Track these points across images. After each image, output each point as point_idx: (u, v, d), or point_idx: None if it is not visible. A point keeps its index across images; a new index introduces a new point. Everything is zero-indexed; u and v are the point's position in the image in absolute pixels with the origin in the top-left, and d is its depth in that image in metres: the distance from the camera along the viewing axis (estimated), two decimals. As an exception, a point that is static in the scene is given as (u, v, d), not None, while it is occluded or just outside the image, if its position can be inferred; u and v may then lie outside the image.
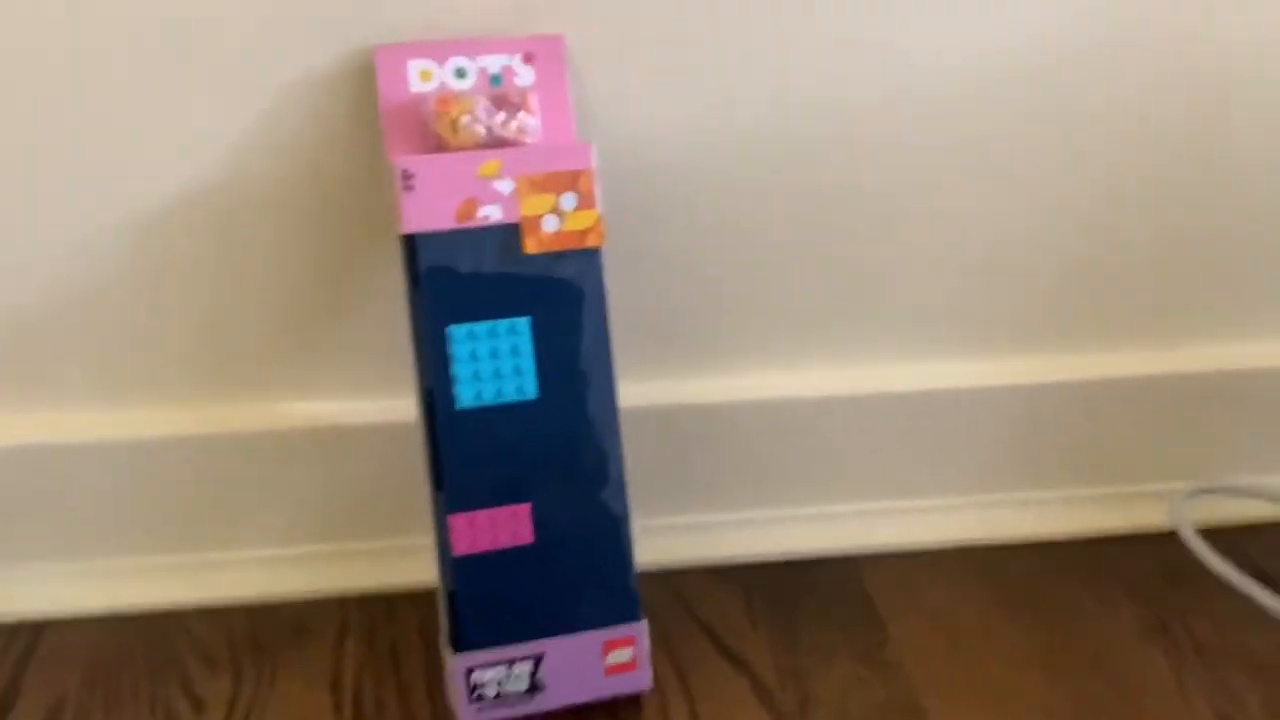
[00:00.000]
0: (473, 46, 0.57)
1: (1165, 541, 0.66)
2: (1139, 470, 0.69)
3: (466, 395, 0.54)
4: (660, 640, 0.61)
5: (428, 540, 0.57)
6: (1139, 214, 0.65)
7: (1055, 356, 0.68)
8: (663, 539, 0.65)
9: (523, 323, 0.55)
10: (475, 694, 0.55)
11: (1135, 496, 0.70)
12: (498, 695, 0.55)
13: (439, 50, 0.56)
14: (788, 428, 0.66)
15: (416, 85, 0.56)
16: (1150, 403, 0.68)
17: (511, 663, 0.55)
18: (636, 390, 0.62)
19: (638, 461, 0.61)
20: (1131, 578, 0.66)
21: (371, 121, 0.57)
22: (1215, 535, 0.64)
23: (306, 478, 0.63)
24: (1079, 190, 0.64)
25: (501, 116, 0.56)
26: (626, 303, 0.61)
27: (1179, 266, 0.67)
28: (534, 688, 0.55)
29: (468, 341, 0.54)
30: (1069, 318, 0.67)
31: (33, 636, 0.62)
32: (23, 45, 0.55)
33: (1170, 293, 0.67)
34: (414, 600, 0.64)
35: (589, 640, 0.56)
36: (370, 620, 0.63)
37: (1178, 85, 0.62)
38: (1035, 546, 0.68)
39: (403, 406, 0.60)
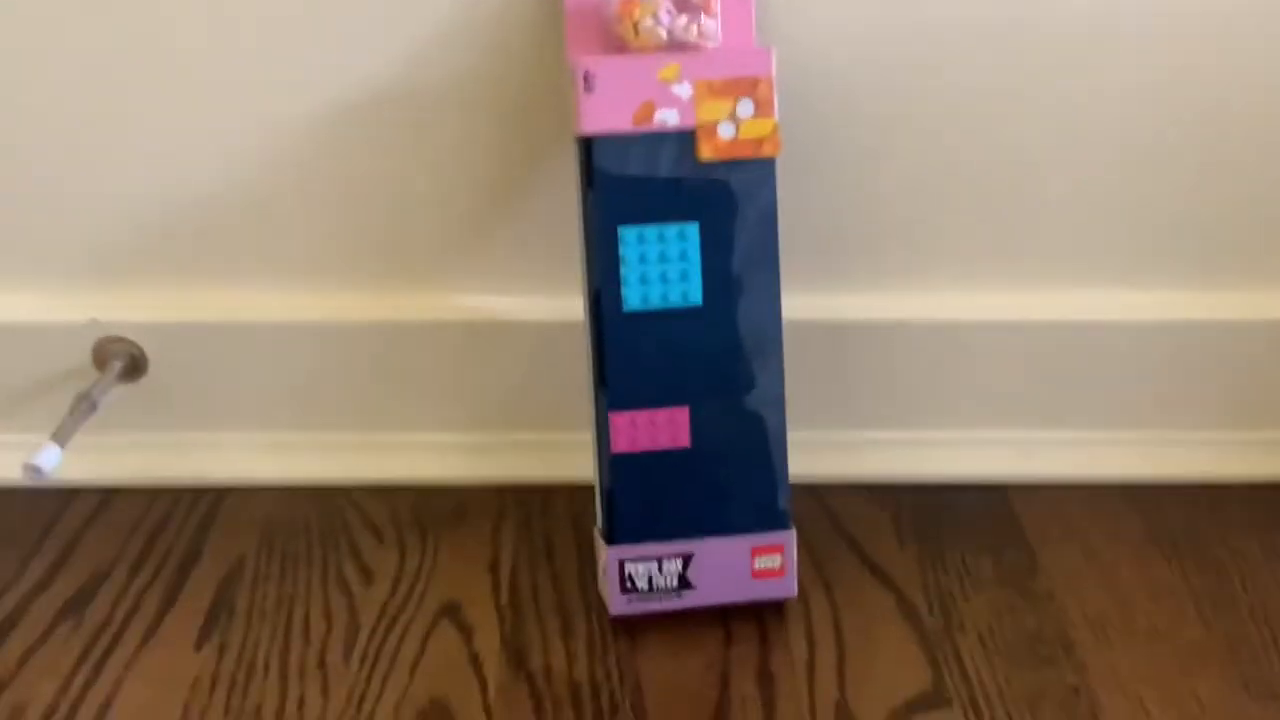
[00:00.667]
0: (658, -52, 0.56)
1: (1341, 492, 0.64)
2: (1318, 417, 0.67)
3: (633, 298, 0.55)
4: (806, 552, 0.61)
5: (585, 437, 0.59)
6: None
7: (1233, 293, 0.65)
8: (814, 453, 0.65)
9: (692, 229, 0.55)
10: (627, 585, 0.56)
11: (1311, 444, 0.67)
12: (649, 588, 0.57)
13: (624, -49, 0.56)
14: (948, 350, 0.65)
15: (600, -14, 0.56)
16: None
17: (662, 559, 0.57)
18: (799, 303, 0.62)
19: (795, 374, 0.61)
20: (1301, 527, 0.64)
21: (555, 22, 0.57)
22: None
23: (475, 368, 0.66)
24: (1260, 131, 0.61)
25: (683, 20, 0.55)
26: (795, 213, 0.61)
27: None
28: (683, 584, 0.57)
29: (637, 244, 0.55)
30: (1247, 255, 0.64)
31: (215, 501, 0.66)
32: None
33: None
34: (569, 494, 0.66)
35: (738, 544, 0.57)
36: (527, 510, 0.65)
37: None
38: (1198, 488, 0.66)
39: (572, 306, 0.62)
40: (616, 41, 0.56)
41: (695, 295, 0.55)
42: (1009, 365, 0.66)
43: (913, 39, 0.59)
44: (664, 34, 0.55)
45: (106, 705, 0.53)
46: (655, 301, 0.55)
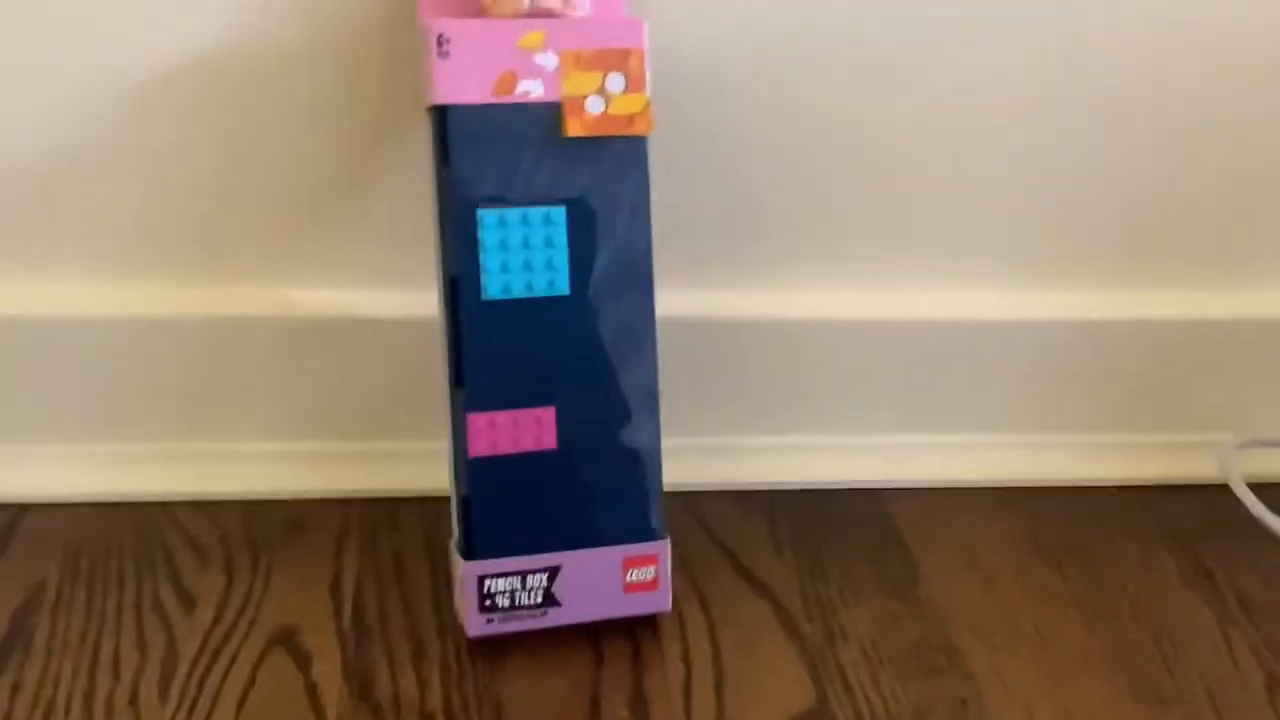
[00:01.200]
0: (519, -92, 0.52)
1: (1212, 493, 0.63)
2: (1187, 418, 0.66)
3: (493, 286, 0.50)
4: (680, 563, 0.57)
5: (436, 445, 0.54)
6: (1203, 154, 0.61)
7: (1104, 294, 0.64)
8: (686, 460, 0.61)
9: (558, 212, 0.50)
10: (487, 603, 0.51)
11: (1182, 445, 0.66)
12: (511, 606, 0.52)
13: (483, -91, 0.52)
14: (822, 351, 0.63)
15: (457, -55, 0.51)
16: (1202, 348, 0.65)
17: (526, 574, 0.52)
18: (670, 298, 0.58)
19: (665, 376, 0.57)
20: (1176, 527, 0.63)
21: (405, -17, 0.53)
22: (1264, 489, 0.61)
23: (312, 370, 0.60)
24: (1145, 126, 0.60)
25: (548, -15, 0.51)
26: (662, 202, 0.57)
27: (1245, 208, 0.63)
28: (549, 601, 0.52)
29: (498, 228, 0.50)
30: (1120, 254, 0.63)
31: (12, 518, 0.58)
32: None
33: (1233, 235, 0.64)
34: (420, 507, 0.60)
35: (609, 555, 0.53)
36: (372, 524, 0.59)
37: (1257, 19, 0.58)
38: (1074, 490, 0.65)
39: (421, 300, 0.56)
40: (475, 6, 0.51)
41: (562, 284, 0.51)
42: (884, 366, 0.63)
43: (793, 18, 0.56)
44: (526, 1, 0.51)
45: None
46: (518, 290, 0.50)
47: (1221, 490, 0.61)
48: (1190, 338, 0.64)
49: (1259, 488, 0.60)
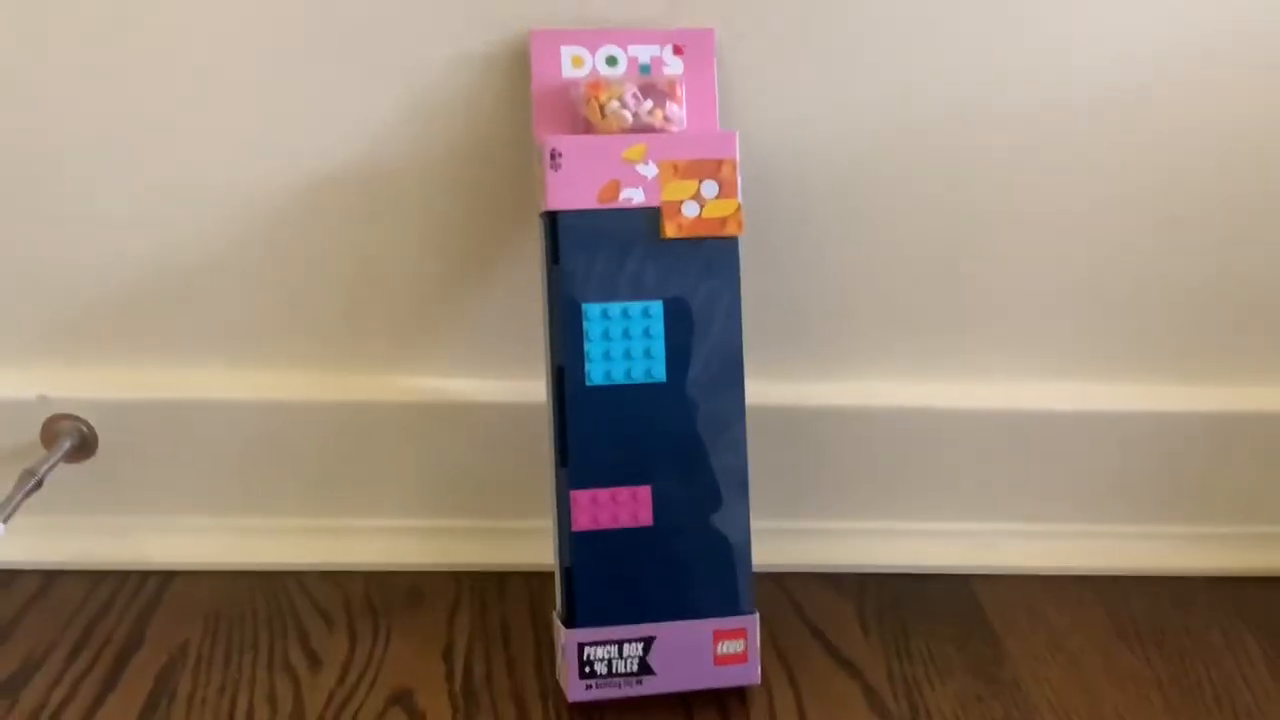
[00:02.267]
0: (625, 36, 0.58)
1: (1301, 584, 0.64)
2: (1271, 510, 0.67)
3: (596, 373, 0.55)
4: (770, 639, 0.60)
5: (542, 522, 0.58)
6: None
7: (1190, 387, 0.66)
8: (776, 541, 0.64)
9: (656, 306, 0.55)
10: (586, 670, 0.55)
11: (1266, 537, 0.67)
12: (608, 673, 0.55)
13: (592, 38, 0.57)
14: (910, 439, 0.65)
15: (568, 70, 0.57)
16: (1290, 441, 0.66)
17: (623, 643, 0.55)
18: (761, 388, 0.62)
19: (756, 460, 0.60)
20: (1261, 618, 0.63)
21: (522, 104, 0.58)
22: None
23: (430, 451, 0.65)
24: (1223, 224, 0.62)
25: (649, 104, 0.57)
26: (758, 297, 0.61)
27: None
28: (644, 669, 0.55)
29: (601, 320, 0.55)
30: (1206, 349, 0.65)
31: (160, 585, 0.64)
32: (190, 20, 0.57)
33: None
34: (526, 580, 0.64)
35: (700, 628, 0.56)
36: (482, 595, 0.64)
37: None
38: (1159, 580, 0.66)
39: (530, 388, 0.61)
40: (583, 124, 0.57)
41: (659, 372, 0.55)
42: (971, 455, 0.66)
43: (876, 126, 0.60)
44: (629, 117, 0.56)
45: (34, 794, 0.50)
46: (619, 378, 0.55)
47: (1309, 581, 0.62)
48: (1272, 429, 0.65)
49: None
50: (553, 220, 0.54)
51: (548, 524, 0.57)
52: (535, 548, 0.62)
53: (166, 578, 0.64)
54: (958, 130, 0.60)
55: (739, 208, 0.55)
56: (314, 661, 0.58)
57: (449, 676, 0.58)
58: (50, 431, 0.63)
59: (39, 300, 0.62)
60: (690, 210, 0.55)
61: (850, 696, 0.57)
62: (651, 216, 0.55)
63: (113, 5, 0.56)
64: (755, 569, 0.57)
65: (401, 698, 0.56)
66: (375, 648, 0.59)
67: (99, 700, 0.55)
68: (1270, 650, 0.61)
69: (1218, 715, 0.56)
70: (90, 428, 0.63)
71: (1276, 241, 0.63)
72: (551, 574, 0.57)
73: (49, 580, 0.64)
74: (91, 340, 0.63)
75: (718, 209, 0.55)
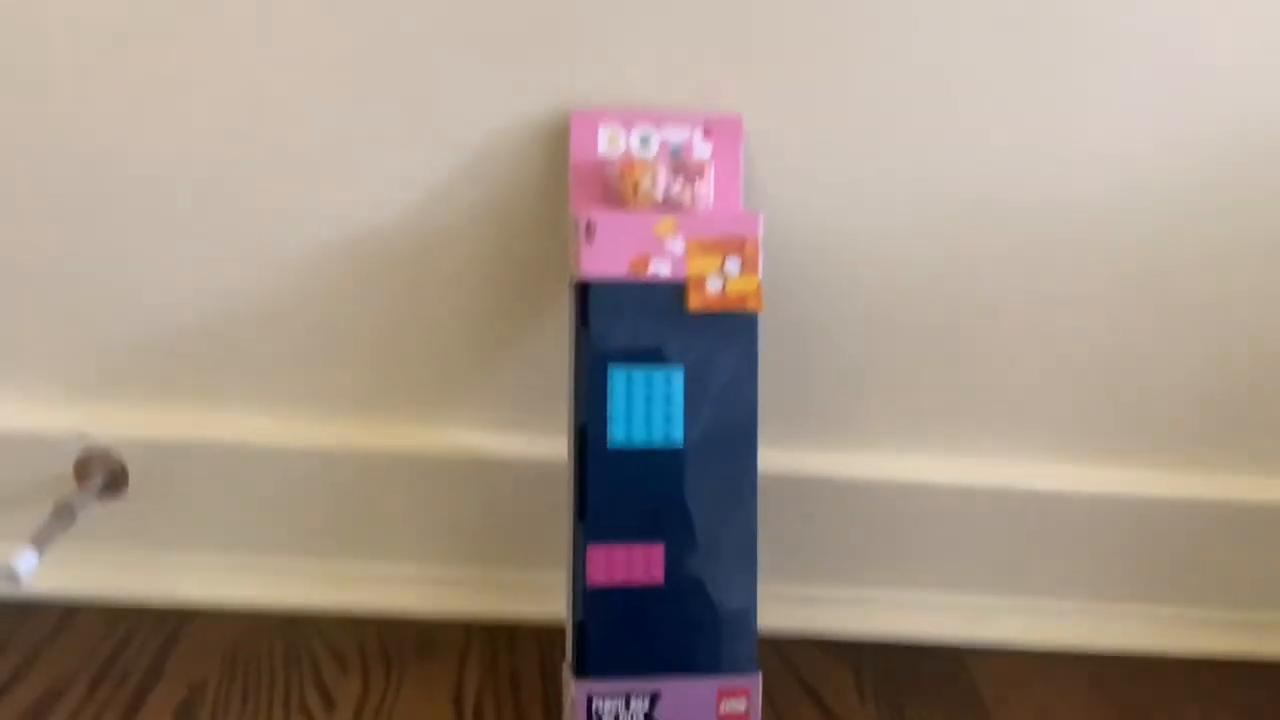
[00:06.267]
0: (658, 118, 0.61)
1: (1282, 671, 0.66)
2: (1263, 596, 0.69)
3: (618, 434, 0.58)
4: (769, 703, 0.62)
5: (555, 576, 0.60)
6: (1276, 341, 0.66)
7: (1185, 474, 0.69)
8: (778, 606, 0.66)
9: (678, 373, 0.58)
10: (595, 720, 0.57)
11: (1256, 624, 0.69)
12: (616, 725, 0.57)
13: (628, 118, 0.61)
14: (913, 512, 0.68)
15: (604, 148, 0.61)
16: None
17: (630, 696, 0.57)
18: (771, 456, 0.64)
19: (763, 526, 0.63)
20: (1245, 703, 0.65)
21: (559, 178, 0.62)
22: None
23: (450, 503, 0.67)
24: (1219, 319, 0.66)
25: (679, 183, 0.60)
26: (773, 370, 0.64)
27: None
28: (650, 723, 0.57)
29: (625, 384, 0.58)
30: (1201, 437, 0.68)
31: (180, 622, 0.66)
32: (253, 84, 0.61)
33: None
34: (537, 633, 0.67)
35: (705, 685, 0.58)
36: (493, 645, 0.66)
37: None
38: (1148, 661, 0.69)
39: (545, 445, 0.64)
40: (616, 199, 0.60)
41: (677, 436, 0.58)
42: (969, 530, 0.68)
43: (893, 210, 0.63)
44: (660, 195, 0.60)
45: (55, 818, 0.52)
46: (638, 440, 0.58)
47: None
48: (1271, 521, 0.68)
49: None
50: (584, 288, 0.58)
51: (560, 577, 0.59)
52: (547, 601, 0.64)
53: (186, 616, 0.66)
54: (968, 217, 0.63)
55: (759, 285, 0.59)
56: (328, 702, 0.60)
57: (459, 722, 0.60)
58: (84, 468, 0.65)
59: (83, 337, 0.65)
60: (714, 285, 0.58)
61: (846, 760, 0.59)
62: (677, 289, 0.58)
63: (180, 62, 0.60)
64: (760, 632, 0.59)
65: (413, 741, 0.58)
66: (387, 692, 0.61)
67: (119, 731, 0.57)
68: (1251, 734, 0.63)
69: (1200, 793, 0.58)
70: (123, 466, 0.65)
71: (1273, 334, 0.66)
72: (561, 628, 0.59)
73: (70, 613, 0.66)
74: (130, 380, 0.66)
75: (740, 285, 0.59)
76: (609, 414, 0.57)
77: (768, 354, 0.61)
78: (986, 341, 0.66)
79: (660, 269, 0.58)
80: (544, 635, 0.66)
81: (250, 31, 0.59)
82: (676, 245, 0.58)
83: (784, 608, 0.68)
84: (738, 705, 0.58)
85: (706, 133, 0.62)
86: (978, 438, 0.68)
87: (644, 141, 0.61)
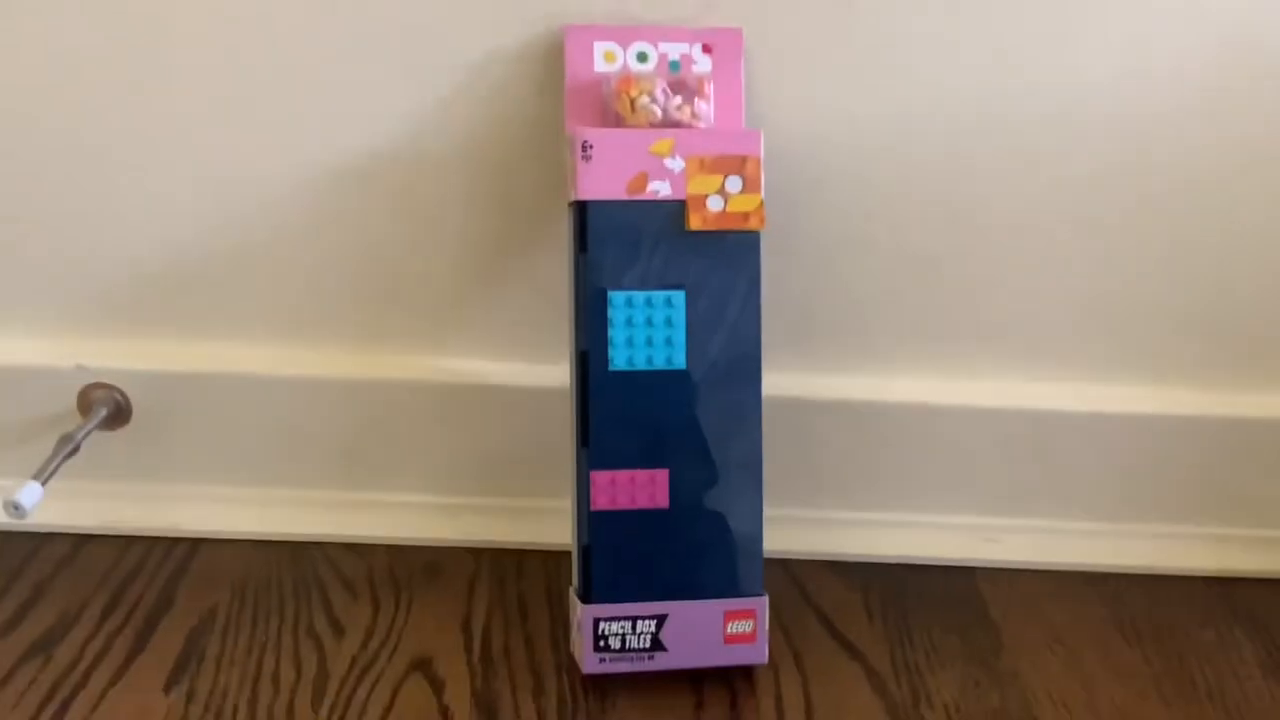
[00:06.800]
0: (656, 33, 0.60)
1: (1295, 586, 0.66)
2: (1272, 513, 0.69)
3: (619, 359, 0.57)
4: (777, 623, 0.62)
5: (560, 503, 0.60)
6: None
7: (1194, 391, 0.68)
8: (787, 529, 0.66)
9: (679, 295, 0.57)
10: (600, 644, 0.57)
11: (1266, 540, 0.69)
12: (621, 648, 0.57)
13: (624, 35, 0.59)
14: (921, 434, 0.67)
15: (601, 65, 0.59)
16: (1289, 447, 0.68)
17: (636, 619, 0.57)
18: (776, 380, 0.64)
19: (770, 450, 0.62)
20: (1257, 618, 0.65)
21: (555, 96, 0.60)
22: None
23: (455, 430, 0.67)
24: (1218, 239, 0.64)
25: (678, 100, 0.58)
26: (776, 292, 0.63)
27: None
28: (656, 646, 0.57)
29: (625, 308, 0.57)
30: (1214, 354, 0.67)
31: (188, 552, 0.66)
32: (235, 17, 0.59)
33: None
34: (544, 558, 0.67)
35: (711, 608, 0.58)
36: (500, 571, 0.66)
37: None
38: (1158, 578, 0.68)
39: (553, 372, 0.63)
40: (614, 117, 0.59)
41: (679, 359, 0.57)
42: (977, 451, 0.68)
43: (893, 129, 0.62)
44: (659, 112, 0.58)
45: (70, 744, 0.52)
46: (640, 364, 0.57)
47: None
48: (1273, 435, 0.67)
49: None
50: (582, 209, 0.56)
51: (566, 504, 0.59)
52: (554, 527, 0.64)
53: (195, 545, 0.67)
54: (971, 136, 0.62)
55: (761, 203, 0.57)
56: (337, 628, 0.60)
57: (467, 647, 0.60)
58: (87, 399, 0.65)
59: (81, 272, 0.64)
60: (715, 204, 0.57)
61: (854, 679, 0.59)
62: (677, 209, 0.57)
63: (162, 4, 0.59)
64: (765, 555, 0.59)
65: (422, 665, 0.58)
66: (397, 617, 0.62)
67: (131, 658, 0.58)
68: (1262, 649, 0.63)
69: (1210, 711, 0.58)
70: (125, 397, 0.65)
71: (1274, 251, 0.65)
72: (568, 554, 0.59)
73: (80, 544, 0.66)
74: (130, 312, 0.65)
75: (741, 204, 0.57)
76: (610, 339, 0.57)
77: (771, 275, 0.60)
78: (989, 262, 0.65)
79: (660, 188, 0.57)
80: (550, 560, 0.66)
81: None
82: (676, 164, 0.57)
83: (791, 530, 0.67)
84: (745, 626, 0.58)
85: (706, 48, 0.60)
86: (981, 357, 0.67)
87: (641, 58, 0.60)
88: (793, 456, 0.67)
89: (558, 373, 0.61)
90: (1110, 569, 0.69)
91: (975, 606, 0.65)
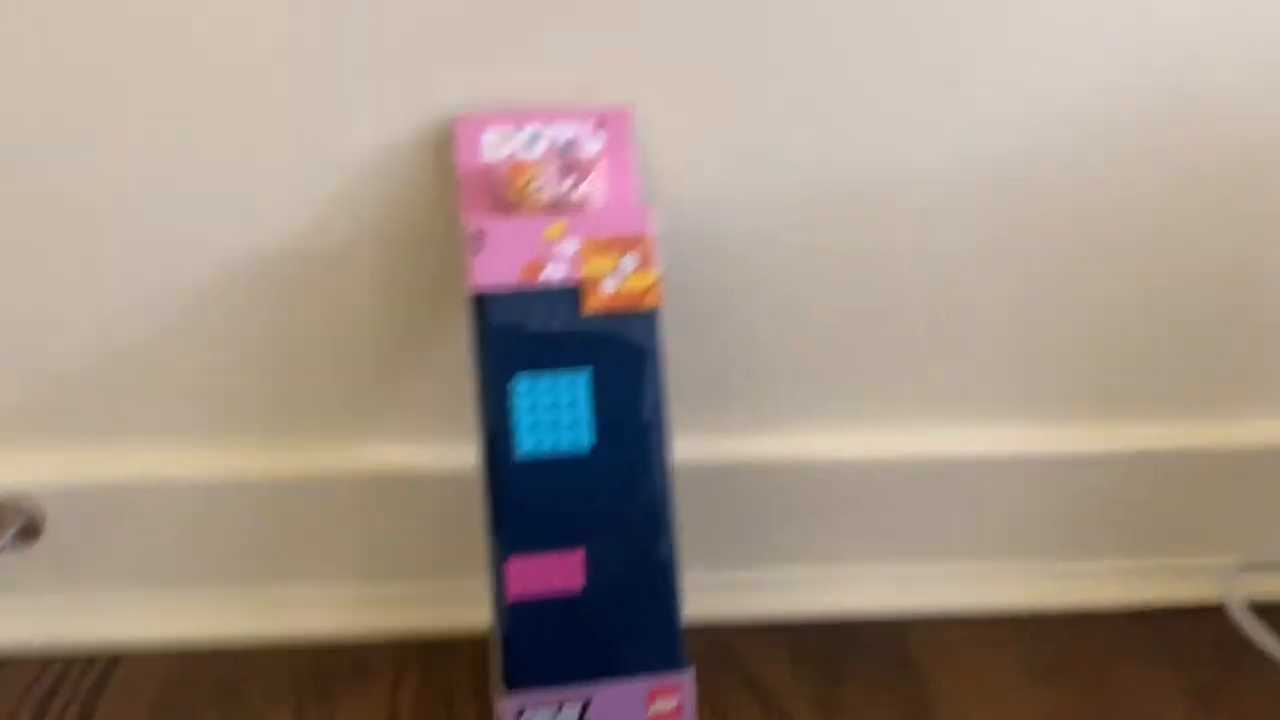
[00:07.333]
0: (545, 116, 0.60)
1: (1214, 616, 0.67)
2: (1188, 543, 0.70)
3: (526, 444, 0.57)
4: (704, 693, 0.62)
5: (484, 585, 0.60)
6: (1194, 289, 0.66)
7: (1105, 426, 0.69)
8: (709, 593, 0.66)
9: (582, 377, 0.57)
10: (524, 733, 0.57)
11: (1183, 570, 0.70)
12: (546, 736, 0.57)
13: (517, 118, 0.60)
14: (836, 488, 0.68)
15: (491, 153, 0.60)
16: (1201, 475, 0.69)
17: (560, 705, 0.57)
18: (690, 445, 0.64)
19: (688, 516, 0.63)
20: (1178, 651, 0.66)
21: (449, 187, 0.61)
22: (1266, 611, 0.64)
23: (370, 521, 0.66)
24: (1134, 264, 0.65)
25: (569, 183, 0.59)
26: (684, 361, 0.64)
27: (1232, 341, 0.67)
28: (581, 730, 0.57)
29: (529, 393, 0.57)
30: (1119, 388, 0.68)
31: (109, 665, 0.65)
32: (128, 99, 0.59)
33: (1223, 366, 0.68)
34: (470, 644, 0.66)
35: (635, 687, 0.58)
36: (427, 662, 0.65)
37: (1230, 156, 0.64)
38: (1080, 617, 0.69)
39: (464, 454, 0.63)
40: (507, 205, 0.59)
41: (585, 441, 0.57)
42: (892, 501, 0.68)
43: (791, 198, 0.62)
44: (550, 197, 0.59)
45: None
46: (547, 447, 0.57)
47: (1223, 613, 0.65)
48: (1188, 466, 0.68)
49: (1263, 610, 0.64)
50: (480, 300, 0.57)
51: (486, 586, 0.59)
52: (478, 610, 0.64)
53: (115, 658, 0.65)
54: (874, 193, 0.62)
55: (657, 280, 0.58)
56: (261, 737, 0.60)
57: (393, 746, 0.59)
58: (-5, 517, 0.64)
59: (-19, 389, 0.64)
60: (609, 285, 0.57)
61: (784, 746, 0.59)
62: (573, 293, 0.57)
63: (52, 95, 0.58)
64: (689, 622, 0.58)
65: (347, 769, 0.58)
66: (321, 720, 0.61)
67: (48, 784, 0.57)
68: (1186, 683, 0.64)
69: (1134, 749, 0.59)
70: (39, 511, 0.64)
71: (1198, 282, 0.65)
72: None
73: (-2, 664, 0.65)
74: (32, 423, 0.64)
75: (637, 282, 0.58)
76: (515, 425, 0.57)
77: (676, 345, 0.61)
78: (896, 312, 0.65)
79: (553, 273, 0.57)
80: (477, 644, 0.66)
81: (132, 47, 0.57)
82: (569, 247, 0.57)
83: (715, 595, 0.67)
84: (669, 704, 0.58)
85: (597, 126, 0.61)
86: (894, 409, 0.68)
87: (532, 141, 0.60)
88: (713, 520, 0.67)
89: (467, 455, 0.61)
90: (1034, 610, 0.69)
91: (902, 659, 0.66)
